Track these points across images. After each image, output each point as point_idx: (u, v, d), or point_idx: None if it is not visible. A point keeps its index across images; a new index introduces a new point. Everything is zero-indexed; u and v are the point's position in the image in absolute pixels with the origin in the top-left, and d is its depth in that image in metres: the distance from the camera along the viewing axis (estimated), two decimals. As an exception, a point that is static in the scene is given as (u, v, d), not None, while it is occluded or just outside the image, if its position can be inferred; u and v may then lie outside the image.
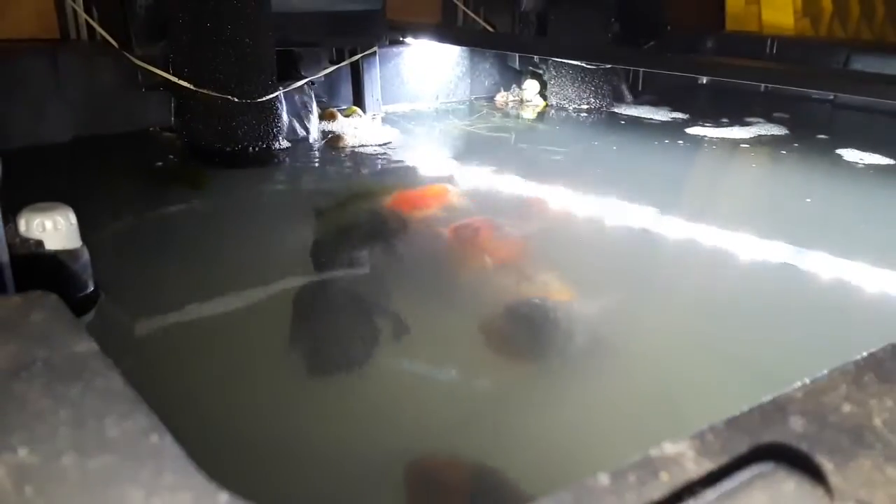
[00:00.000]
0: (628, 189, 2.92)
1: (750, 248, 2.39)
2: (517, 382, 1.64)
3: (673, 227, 2.58)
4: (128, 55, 3.23)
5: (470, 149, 3.66)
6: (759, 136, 3.89)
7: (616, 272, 2.24)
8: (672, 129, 4.01)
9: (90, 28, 3.50)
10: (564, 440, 1.42)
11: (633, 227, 2.57)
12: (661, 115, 4.30)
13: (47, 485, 0.60)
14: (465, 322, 1.85)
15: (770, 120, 4.17)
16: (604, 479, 0.60)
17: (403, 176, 3.17)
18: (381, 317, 1.87)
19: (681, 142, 3.77)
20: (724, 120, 4.14)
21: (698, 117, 4.20)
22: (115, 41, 3.31)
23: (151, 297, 1.92)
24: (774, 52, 4.55)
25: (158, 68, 3.16)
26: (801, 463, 0.60)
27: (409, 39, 4.20)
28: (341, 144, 3.48)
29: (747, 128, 4.01)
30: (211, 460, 0.68)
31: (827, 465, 0.62)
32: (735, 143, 3.79)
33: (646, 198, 2.79)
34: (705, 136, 3.90)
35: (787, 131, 3.96)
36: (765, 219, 2.72)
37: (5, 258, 1.27)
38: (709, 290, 2.15)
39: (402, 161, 3.33)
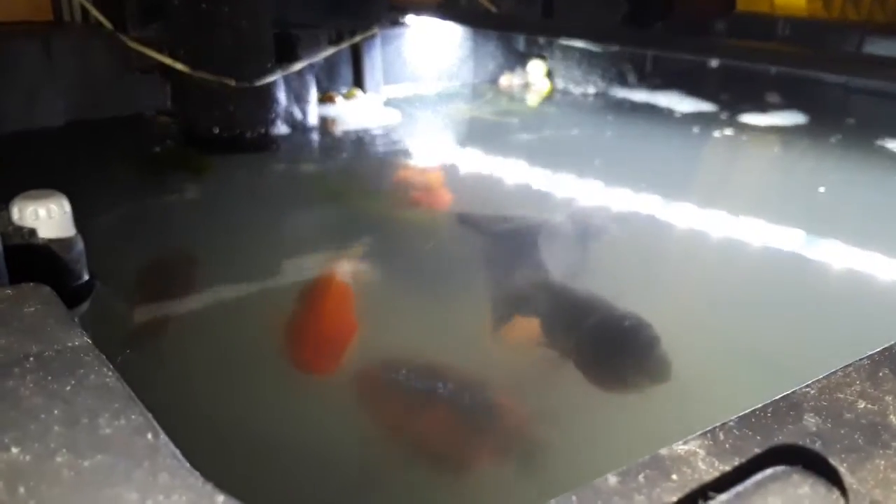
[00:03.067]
0: (656, 181, 2.81)
1: (798, 243, 2.31)
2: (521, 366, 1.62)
3: (732, 223, 2.47)
4: (123, 38, 3.18)
5: (475, 136, 3.61)
6: (784, 123, 3.73)
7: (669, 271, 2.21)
8: (684, 114, 3.92)
9: (84, 10, 3.45)
10: (571, 429, 1.41)
11: (675, 223, 2.50)
12: (670, 98, 4.19)
13: (40, 485, 0.58)
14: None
15: (787, 103, 4.03)
16: (612, 479, 0.58)
17: (402, 161, 3.13)
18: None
19: (698, 128, 3.67)
20: (738, 103, 4.00)
21: (709, 101, 4.08)
22: (110, 23, 3.26)
23: (148, 286, 1.90)
24: (787, 33, 4.45)
25: (154, 51, 3.12)
26: (815, 464, 0.58)
27: (410, 19, 4.13)
28: (341, 128, 3.44)
29: (767, 114, 3.85)
30: (208, 454, 0.66)
31: (841, 465, 0.60)
32: (759, 130, 3.64)
33: (688, 192, 2.69)
34: (723, 120, 3.77)
35: (807, 117, 3.80)
36: (827, 217, 2.59)
37: (-2, 247, 1.24)
38: (735, 283, 2.09)
39: (401, 145, 3.29)
